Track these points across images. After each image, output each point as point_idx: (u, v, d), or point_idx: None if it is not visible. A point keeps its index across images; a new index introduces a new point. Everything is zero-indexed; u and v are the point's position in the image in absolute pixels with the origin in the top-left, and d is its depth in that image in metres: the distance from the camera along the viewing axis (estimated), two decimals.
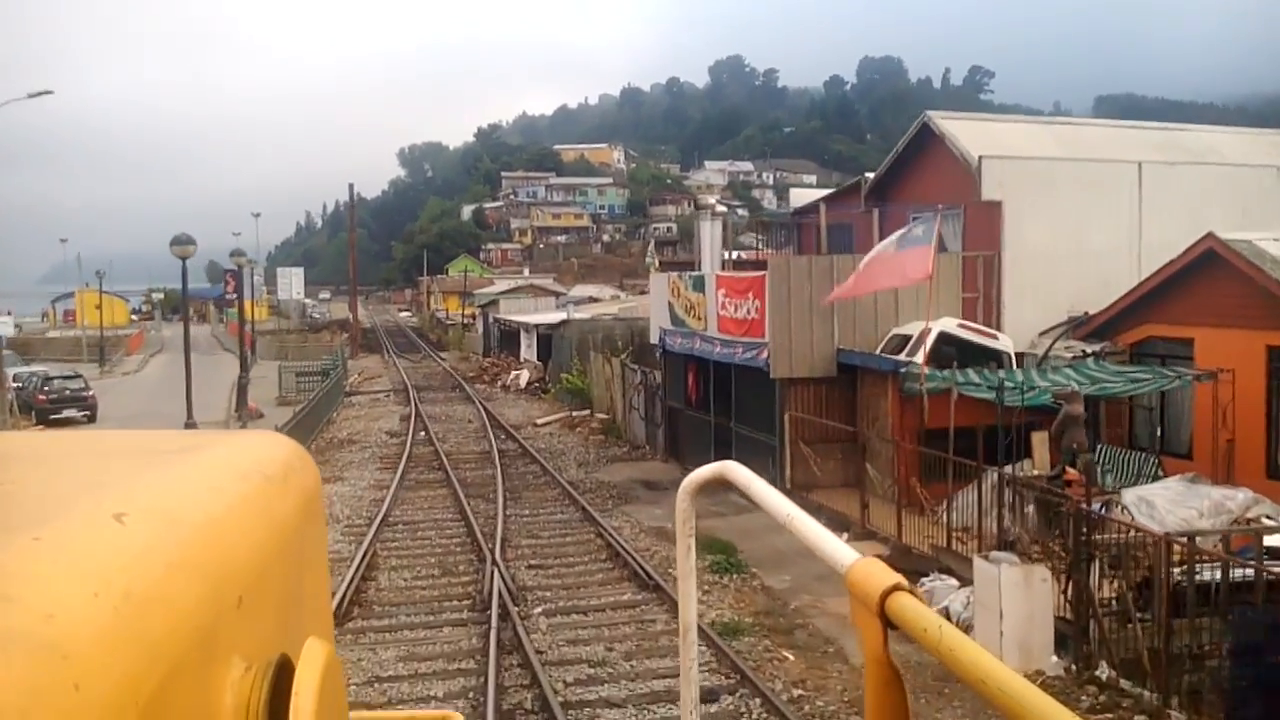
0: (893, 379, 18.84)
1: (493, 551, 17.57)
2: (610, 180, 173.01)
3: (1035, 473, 15.61)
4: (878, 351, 20.14)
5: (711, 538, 18.21)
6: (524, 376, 42.87)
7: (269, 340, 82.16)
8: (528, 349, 47.23)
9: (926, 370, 16.97)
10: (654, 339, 26.53)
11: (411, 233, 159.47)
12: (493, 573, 16.27)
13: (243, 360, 43.79)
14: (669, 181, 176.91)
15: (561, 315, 45.55)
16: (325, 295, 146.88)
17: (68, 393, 38.40)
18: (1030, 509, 15.34)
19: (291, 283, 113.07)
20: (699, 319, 23.16)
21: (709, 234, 24.85)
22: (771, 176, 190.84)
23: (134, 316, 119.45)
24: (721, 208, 25.32)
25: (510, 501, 21.97)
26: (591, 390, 34.16)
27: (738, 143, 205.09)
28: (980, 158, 21.12)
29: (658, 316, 25.92)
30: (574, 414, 34.04)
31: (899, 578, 1.24)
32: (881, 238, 21.87)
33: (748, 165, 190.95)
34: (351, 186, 68.01)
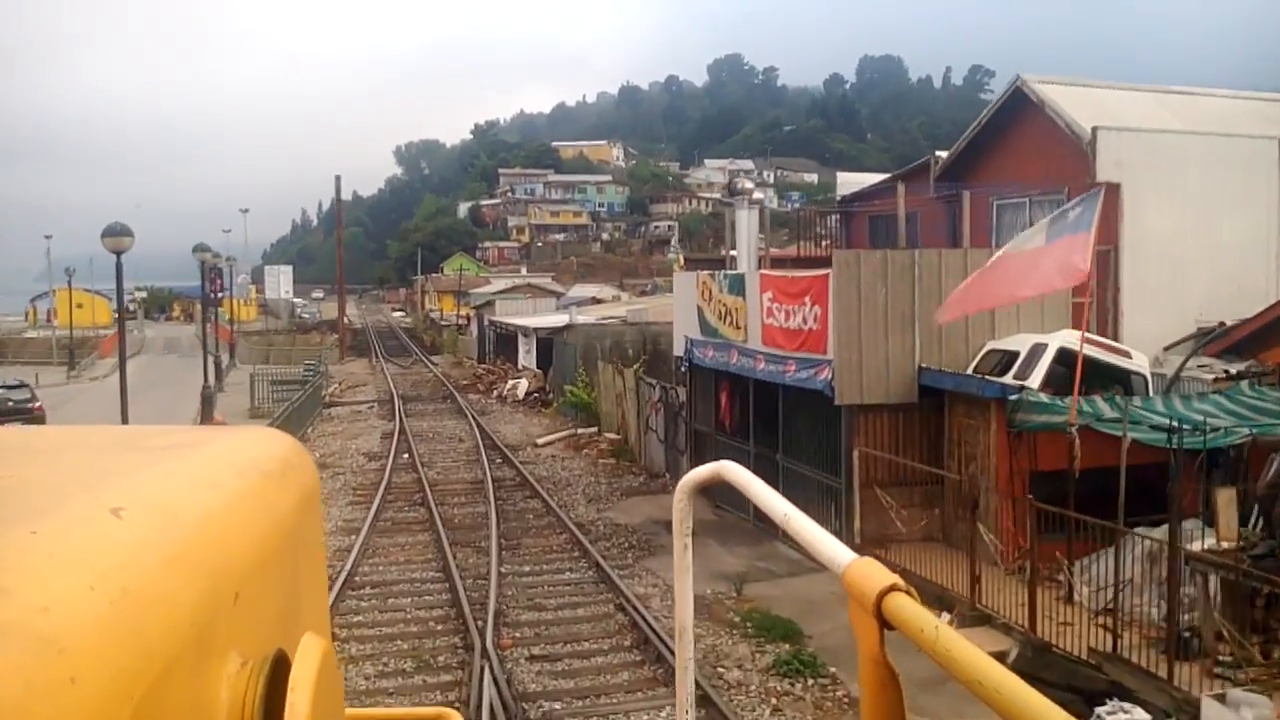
0: (997, 408, 14.68)
1: (483, 633, 13.43)
2: (609, 178, 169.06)
3: (1223, 545, 11.46)
4: (969, 371, 16.00)
5: (767, 614, 14.06)
6: (522, 386, 38.66)
7: (254, 342, 78.06)
8: (526, 355, 43.00)
9: (1079, 401, 12.80)
10: (678, 350, 22.34)
11: (406, 230, 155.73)
12: (483, 670, 12.13)
13: (208, 367, 39.66)
14: (669, 179, 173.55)
15: (563, 318, 41.31)
16: (318, 294, 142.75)
17: (10, 404, 34.15)
18: (1214, 591, 11.24)
19: (279, 281, 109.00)
20: (737, 328, 19.01)
21: (745, 225, 20.64)
22: (772, 175, 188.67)
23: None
24: (759, 195, 21.05)
25: (506, 551, 17.82)
26: (599, 405, 29.97)
27: (737, 141, 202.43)
28: (1095, 130, 16.97)
29: (683, 324, 21.74)
30: (579, 432, 29.88)
31: (896, 578, 1.22)
32: (972, 226, 17.78)
33: (748, 163, 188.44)
34: (338, 179, 63.42)
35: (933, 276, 16.06)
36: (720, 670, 12.18)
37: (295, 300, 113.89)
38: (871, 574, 1.27)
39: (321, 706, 1.28)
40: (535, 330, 41.11)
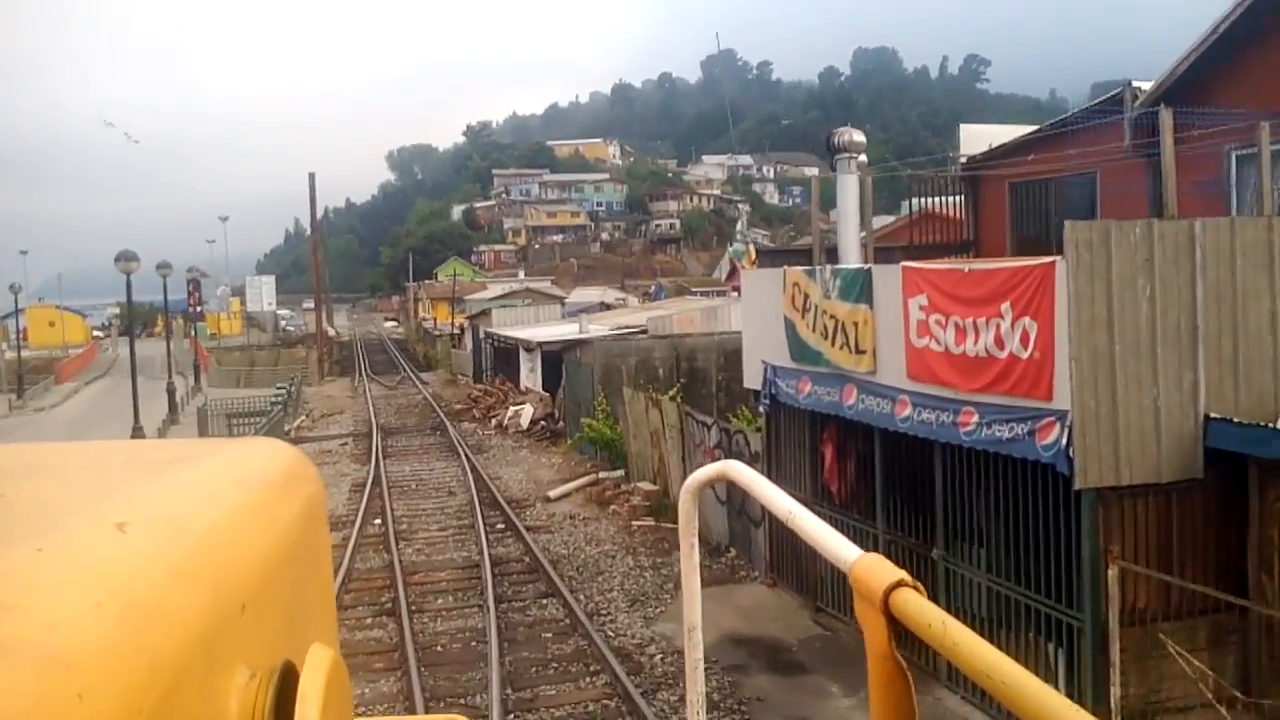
0: None
1: None
2: (607, 176, 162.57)
3: None
4: None
5: None
6: (526, 414, 32.05)
7: (235, 359, 71.63)
8: (529, 374, 36.38)
9: None
10: (751, 380, 15.75)
11: (398, 236, 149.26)
12: None
13: (138, 404, 33.02)
14: (669, 176, 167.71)
15: (572, 328, 34.78)
16: (309, 305, 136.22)
17: None
18: None
19: (262, 292, 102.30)
20: (857, 352, 12.45)
21: (852, 197, 14.15)
22: (772, 170, 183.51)
23: (97, 334, 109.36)
24: (863, 157, 14.38)
25: (515, 716, 11.28)
26: (627, 443, 23.40)
27: (735, 136, 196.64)
28: None
29: (760, 343, 15.13)
30: (601, 477, 23.36)
31: (903, 574, 1.21)
32: (1189, 185, 11.30)
33: (747, 159, 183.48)
34: (312, 176, 56.55)
35: (1222, 263, 9.52)
36: None
37: (280, 312, 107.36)
38: (878, 570, 1.24)
39: (331, 717, 1.26)
40: (540, 345, 34.51)
